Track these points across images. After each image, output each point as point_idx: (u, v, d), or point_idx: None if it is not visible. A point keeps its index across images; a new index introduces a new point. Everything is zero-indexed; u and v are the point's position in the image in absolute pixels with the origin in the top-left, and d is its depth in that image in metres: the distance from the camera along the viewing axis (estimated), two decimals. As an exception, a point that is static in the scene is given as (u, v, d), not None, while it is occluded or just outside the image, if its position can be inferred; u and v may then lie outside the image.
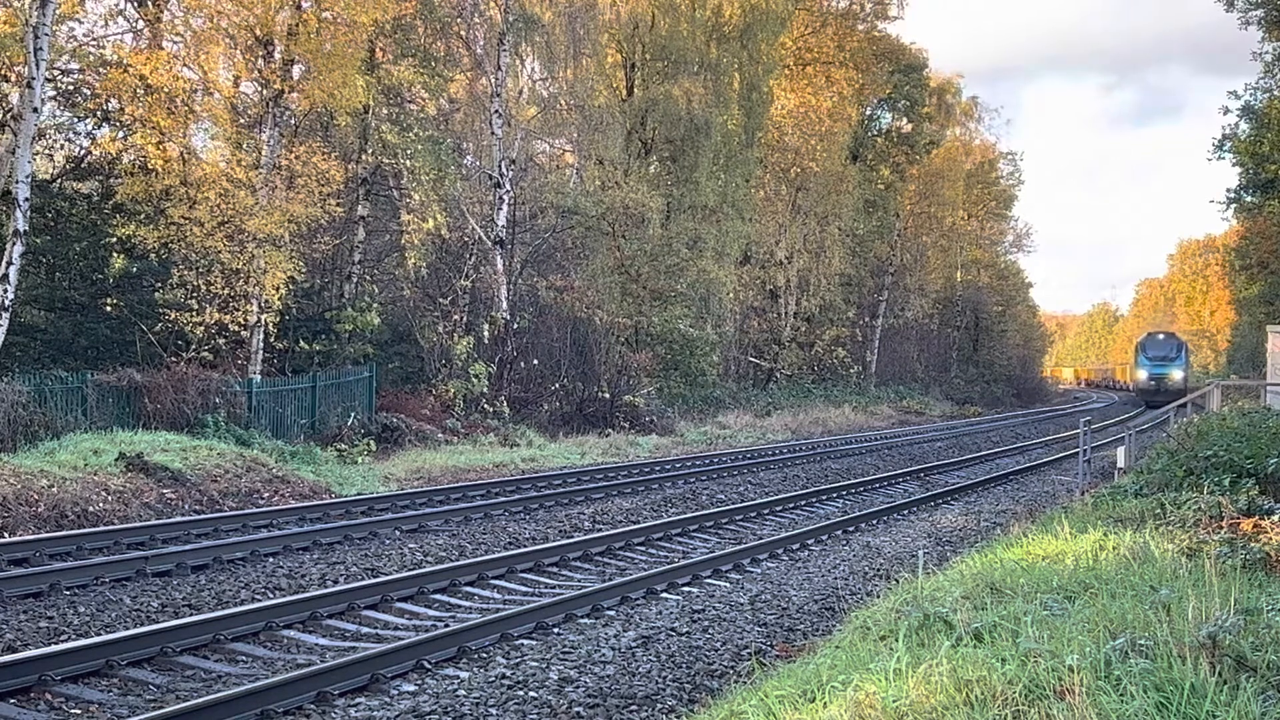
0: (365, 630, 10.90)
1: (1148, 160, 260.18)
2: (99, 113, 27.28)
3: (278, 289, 25.27)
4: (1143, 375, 70.92)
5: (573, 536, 16.38)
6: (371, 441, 25.70)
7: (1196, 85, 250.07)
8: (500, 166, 34.25)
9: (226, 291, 25.02)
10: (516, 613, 10.97)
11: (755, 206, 48.62)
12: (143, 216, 25.23)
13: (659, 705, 8.76)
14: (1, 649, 9.67)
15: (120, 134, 26.99)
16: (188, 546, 14.09)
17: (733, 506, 19.59)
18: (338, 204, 27.79)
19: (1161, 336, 74.40)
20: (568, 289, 36.46)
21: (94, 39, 27.96)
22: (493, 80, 34.53)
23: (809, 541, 16.42)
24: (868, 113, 60.40)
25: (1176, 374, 68.86)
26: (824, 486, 23.09)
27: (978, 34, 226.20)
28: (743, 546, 15.44)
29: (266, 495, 18.99)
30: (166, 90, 25.04)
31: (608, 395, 35.15)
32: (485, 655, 9.94)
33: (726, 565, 14.26)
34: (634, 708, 8.67)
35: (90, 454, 17.84)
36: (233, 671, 9.38)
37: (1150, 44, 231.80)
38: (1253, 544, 9.31)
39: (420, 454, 25.53)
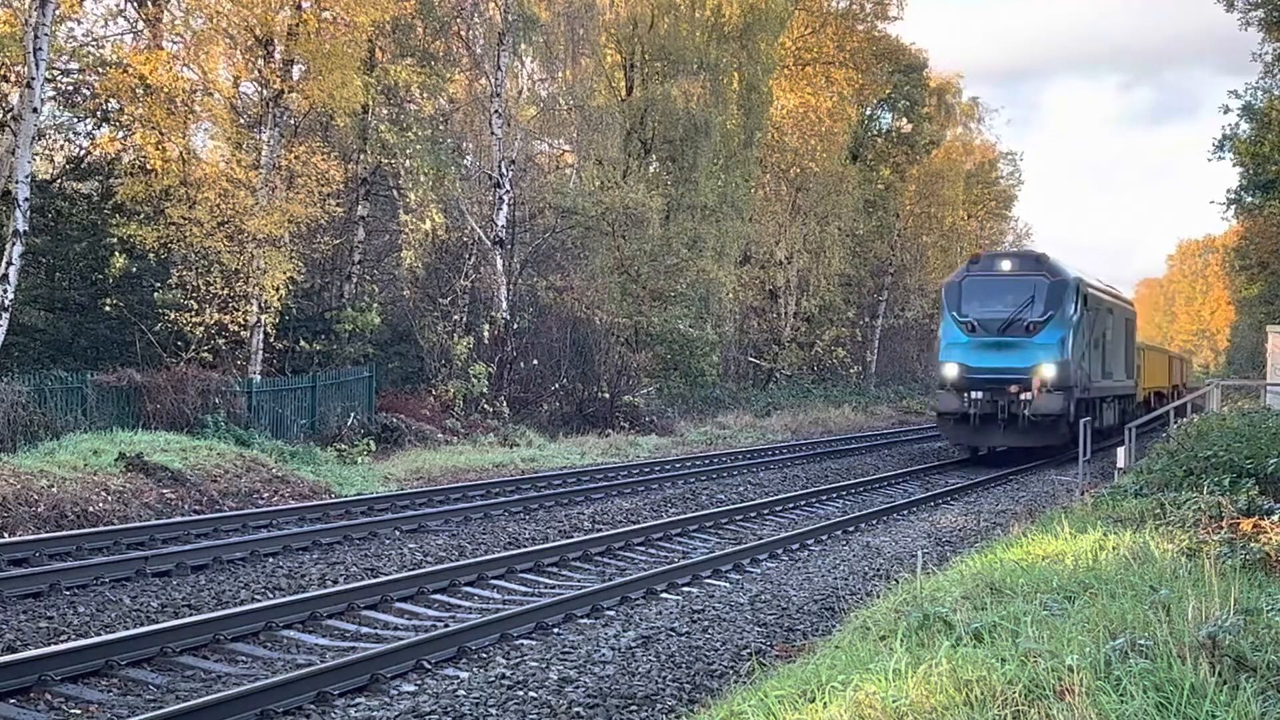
0: (365, 630, 10.90)
1: (1161, 160, 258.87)
2: (99, 113, 27.29)
3: (277, 289, 25.26)
4: (951, 372, 27.77)
5: (572, 536, 16.38)
6: (371, 441, 25.70)
7: (1215, 85, 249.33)
8: (500, 166, 34.24)
9: (226, 292, 25.01)
10: (516, 613, 10.97)
11: (755, 206, 48.60)
12: (142, 216, 25.22)
13: (659, 705, 8.75)
14: (1, 649, 9.67)
15: (120, 134, 26.99)
16: (187, 546, 14.09)
17: (732, 506, 19.59)
18: (338, 204, 27.78)
19: (1007, 265, 28.89)
20: (567, 289, 36.45)
21: (94, 39, 27.98)
22: (492, 80, 34.53)
23: (809, 541, 16.41)
24: (868, 113, 60.37)
25: (1046, 368, 26.81)
26: (824, 486, 23.08)
27: (996, 35, 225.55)
28: (742, 546, 15.43)
29: (266, 495, 18.99)
30: (166, 90, 25.04)
31: (608, 395, 35.14)
32: (485, 655, 9.94)
33: (726, 565, 14.26)
34: (634, 708, 8.66)
35: (90, 454, 17.84)
36: (233, 671, 9.37)
37: (1170, 43, 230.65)
38: (1253, 544, 9.31)
39: (420, 454, 25.52)
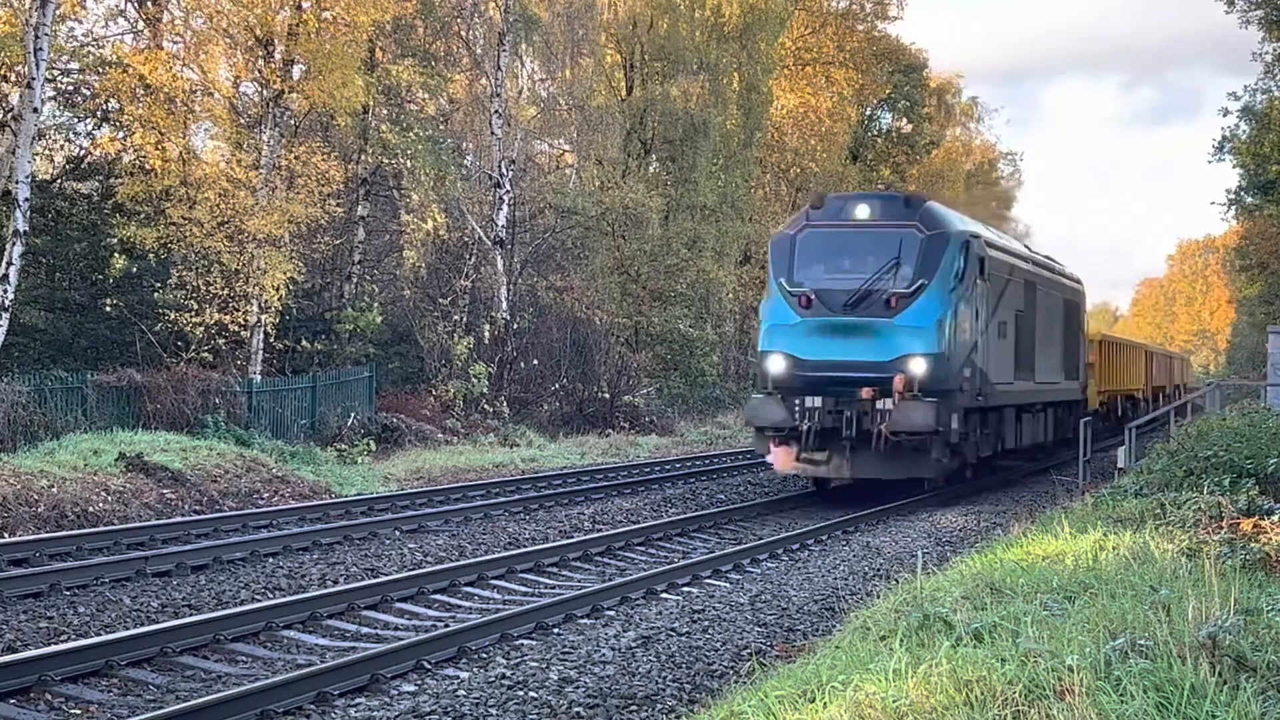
0: (365, 630, 10.90)
1: (1162, 160, 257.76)
2: (99, 113, 27.31)
3: (277, 289, 25.28)
4: (776, 366, 19.07)
5: (573, 537, 16.38)
6: (371, 441, 25.70)
7: (1217, 84, 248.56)
8: (500, 166, 34.26)
9: (226, 292, 25.03)
10: (516, 613, 10.97)
11: (755, 206, 48.60)
12: (143, 216, 25.25)
13: (659, 705, 8.75)
14: (1, 649, 9.67)
15: (120, 134, 27.02)
16: (188, 546, 14.09)
17: (733, 506, 19.59)
18: (338, 204, 27.81)
19: (863, 210, 19.68)
20: (568, 289, 36.47)
21: (94, 39, 28.01)
22: (492, 80, 34.55)
23: (809, 541, 16.40)
24: (868, 113, 60.40)
25: (914, 363, 18.44)
26: (824, 486, 23.05)
27: (996, 35, 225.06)
28: (742, 547, 15.43)
29: (266, 495, 19.00)
30: (166, 90, 25.06)
31: (608, 395, 35.15)
32: (485, 655, 9.93)
33: (726, 565, 14.25)
34: (634, 708, 8.66)
35: (90, 454, 17.84)
36: (233, 671, 9.38)
37: (1172, 43, 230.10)
38: (1253, 544, 9.32)
39: (420, 454, 25.51)
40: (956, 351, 19.13)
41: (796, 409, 18.48)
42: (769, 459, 19.93)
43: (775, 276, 19.73)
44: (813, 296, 19.08)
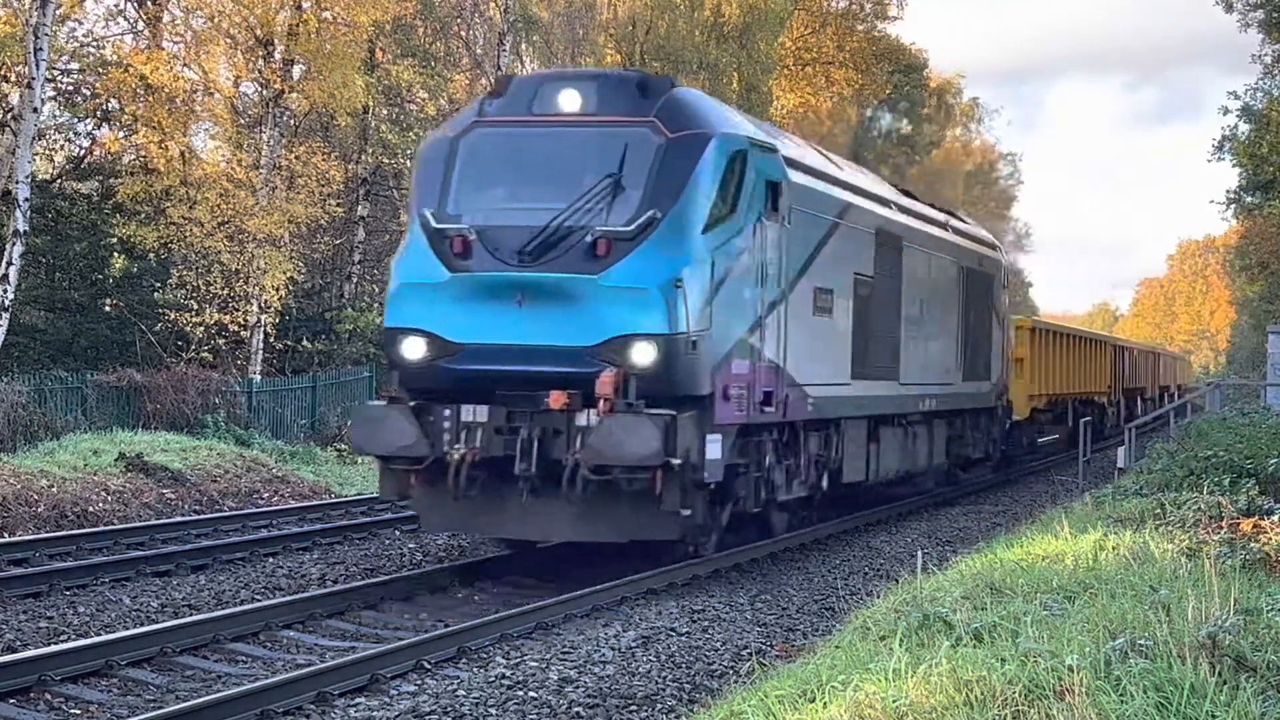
0: (365, 630, 10.90)
1: (1163, 159, 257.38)
2: (99, 113, 27.34)
3: (277, 289, 25.30)
4: (411, 351, 11.75)
5: (572, 536, 16.35)
6: (372, 441, 25.66)
7: (1221, 84, 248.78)
8: (500, 166, 34.25)
9: (226, 292, 25.05)
10: (516, 613, 10.96)
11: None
12: (143, 216, 25.27)
13: (659, 705, 8.75)
14: (1, 649, 9.67)
15: (122, 134, 27.06)
16: (187, 546, 14.09)
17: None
18: (338, 204, 27.84)
19: (570, 99, 12.06)
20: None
21: (94, 39, 28.04)
22: (492, 81, 34.57)
23: (809, 541, 16.39)
24: (868, 113, 60.39)
25: (638, 350, 11.12)
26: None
27: (998, 35, 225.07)
28: (743, 547, 15.40)
29: (266, 495, 19.00)
30: (167, 90, 25.09)
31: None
32: (485, 655, 9.93)
33: (726, 565, 14.24)
34: (634, 708, 8.66)
35: (90, 454, 17.84)
36: (232, 672, 9.37)
37: (1176, 42, 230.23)
38: (1253, 544, 9.33)
39: (420, 454, 25.47)
40: (714, 332, 11.92)
41: (445, 426, 11.74)
42: (409, 505, 13.51)
43: (418, 207, 12.35)
44: (472, 239, 11.79)
